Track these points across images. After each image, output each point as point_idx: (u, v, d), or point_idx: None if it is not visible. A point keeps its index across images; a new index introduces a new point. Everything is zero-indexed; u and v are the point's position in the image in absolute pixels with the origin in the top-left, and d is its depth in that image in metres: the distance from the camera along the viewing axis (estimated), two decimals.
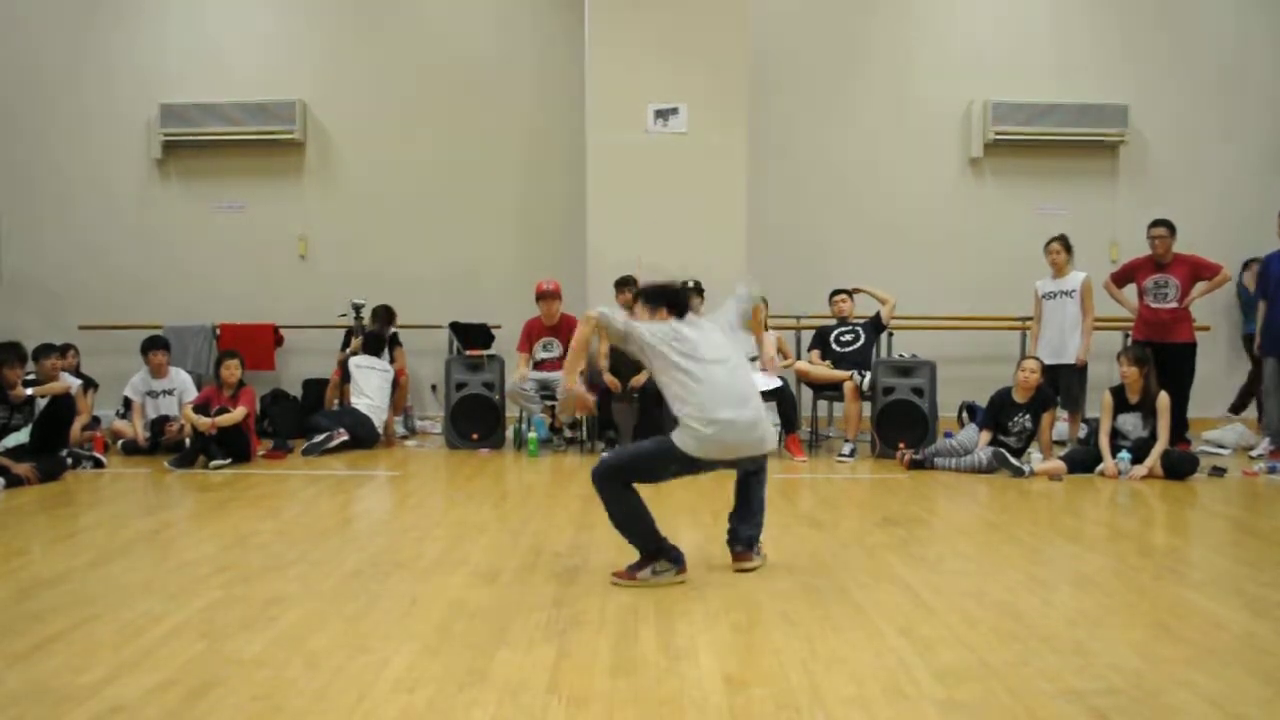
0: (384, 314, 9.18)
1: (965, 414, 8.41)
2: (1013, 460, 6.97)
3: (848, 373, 7.96)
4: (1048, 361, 7.68)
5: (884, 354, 8.69)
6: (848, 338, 8.33)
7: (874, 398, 7.87)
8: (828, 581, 4.19)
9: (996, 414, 7.31)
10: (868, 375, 7.91)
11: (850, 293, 8.50)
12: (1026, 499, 6.22)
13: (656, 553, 4.19)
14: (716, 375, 4.20)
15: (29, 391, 7.15)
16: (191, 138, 9.88)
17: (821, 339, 8.45)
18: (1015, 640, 3.42)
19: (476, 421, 8.40)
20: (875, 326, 8.38)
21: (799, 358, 8.66)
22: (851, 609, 3.80)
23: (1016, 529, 5.36)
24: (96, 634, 3.55)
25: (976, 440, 7.28)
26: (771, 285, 8.60)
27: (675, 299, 4.50)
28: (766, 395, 7.75)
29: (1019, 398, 7.28)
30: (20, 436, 7.10)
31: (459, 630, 3.56)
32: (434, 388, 9.62)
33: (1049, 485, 6.67)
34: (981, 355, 9.38)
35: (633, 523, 4.21)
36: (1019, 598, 3.95)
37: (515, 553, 4.74)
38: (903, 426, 7.73)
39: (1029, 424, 7.23)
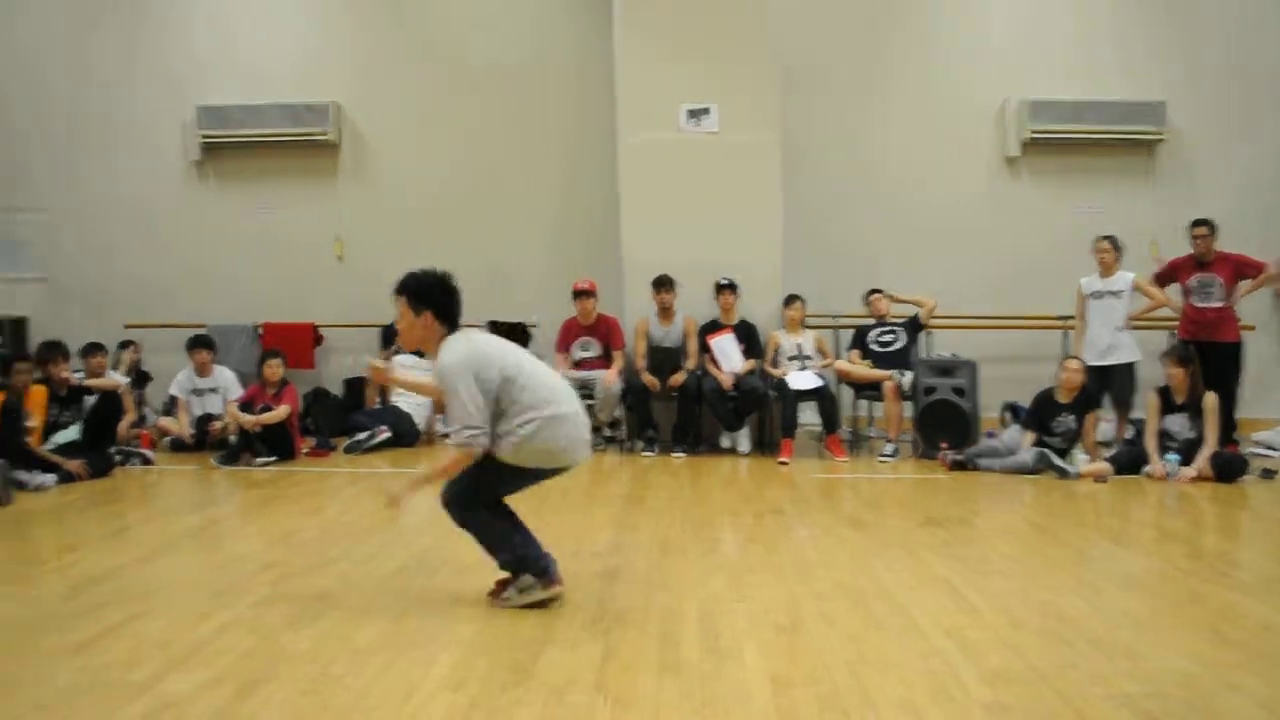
0: None
1: (1009, 414, 8.34)
2: (1058, 461, 6.89)
3: (888, 372, 7.91)
4: (1095, 363, 7.60)
5: (924, 353, 8.63)
6: (887, 338, 8.27)
7: (915, 397, 7.82)
8: (871, 582, 4.17)
9: (1040, 414, 7.24)
10: (909, 375, 7.86)
11: (882, 291, 8.45)
12: (1072, 500, 6.15)
13: (518, 569, 3.87)
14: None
15: (79, 380, 7.31)
16: (229, 139, 10.00)
17: (860, 338, 8.40)
18: (1062, 643, 3.39)
19: None
20: (914, 326, 8.33)
21: (838, 357, 8.61)
22: (895, 610, 3.78)
23: (1062, 531, 5.31)
24: (147, 630, 3.60)
25: (1020, 441, 7.21)
26: (807, 284, 8.60)
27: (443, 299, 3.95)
28: (807, 395, 7.76)
29: (1062, 398, 7.21)
30: (70, 434, 7.23)
31: (503, 629, 3.58)
32: None
33: (1094, 487, 6.59)
34: (1022, 354, 9.28)
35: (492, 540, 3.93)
36: (1065, 600, 3.91)
37: (556, 552, 4.70)
38: (944, 426, 7.67)
39: (1073, 424, 7.15)
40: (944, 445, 7.50)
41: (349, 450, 8.08)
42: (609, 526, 5.33)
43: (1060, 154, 9.84)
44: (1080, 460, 7.05)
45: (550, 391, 3.89)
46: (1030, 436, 7.18)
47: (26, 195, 10.36)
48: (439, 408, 9.07)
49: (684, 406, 8.02)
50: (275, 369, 7.91)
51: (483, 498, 3.91)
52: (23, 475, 6.47)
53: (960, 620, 3.64)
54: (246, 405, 7.80)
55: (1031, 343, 9.36)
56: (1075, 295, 8.06)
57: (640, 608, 3.82)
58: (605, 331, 8.41)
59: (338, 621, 3.68)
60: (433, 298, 3.94)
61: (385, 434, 8.26)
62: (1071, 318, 8.27)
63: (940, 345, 8.91)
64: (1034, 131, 9.64)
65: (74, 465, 6.82)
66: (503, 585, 3.91)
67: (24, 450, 6.70)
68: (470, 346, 3.82)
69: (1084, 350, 7.81)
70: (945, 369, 7.87)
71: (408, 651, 3.34)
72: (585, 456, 4.00)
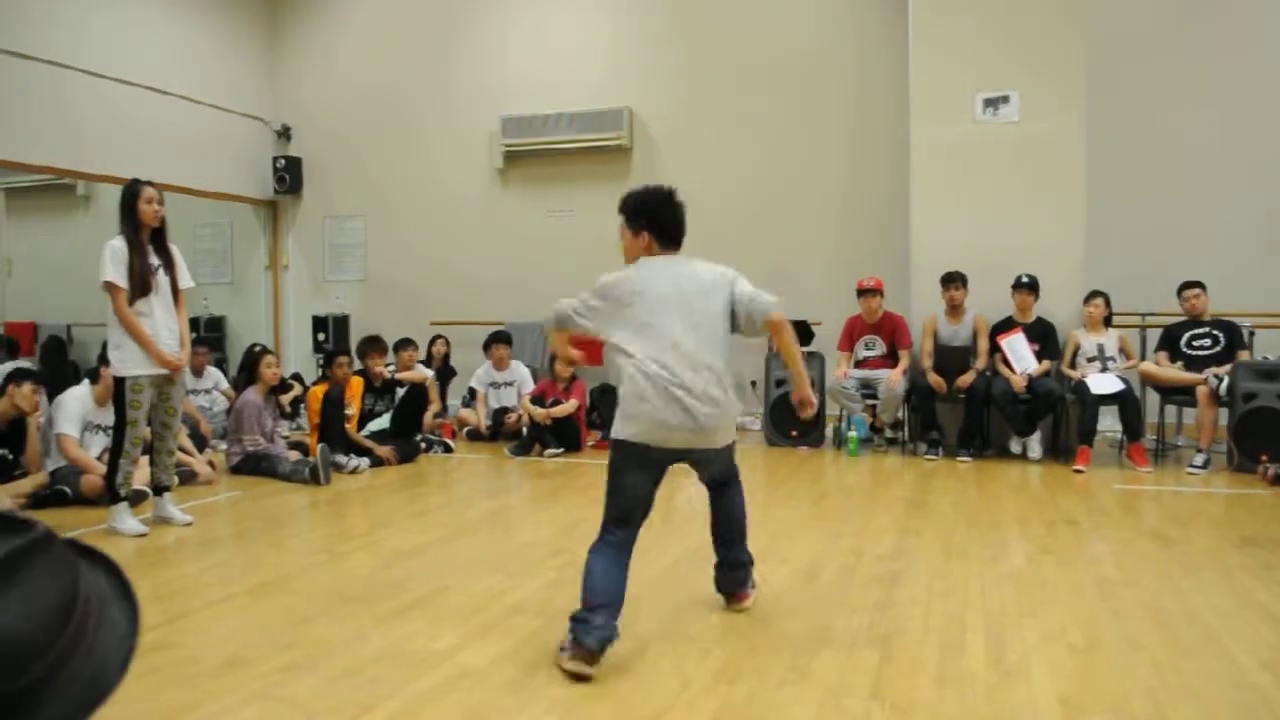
0: None
1: None
2: None
3: (1201, 375, 7.27)
4: None
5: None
6: (1204, 342, 7.58)
7: (1232, 404, 7.14)
8: (1178, 604, 3.86)
9: None
10: (1225, 379, 7.19)
11: (1204, 287, 7.71)
12: None
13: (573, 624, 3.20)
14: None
15: (392, 373, 7.93)
16: (529, 147, 10.51)
17: (1170, 339, 7.75)
18: None
19: (796, 419, 8.40)
20: (1236, 339, 7.55)
21: (1144, 359, 8.00)
22: (1206, 637, 3.47)
23: None
24: (448, 604, 3.86)
25: None
26: (1112, 280, 8.06)
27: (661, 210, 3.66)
28: (1108, 399, 7.26)
29: None
30: (382, 422, 7.85)
31: (779, 627, 3.57)
32: (753, 384, 9.71)
33: None
34: None
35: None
36: None
37: (835, 553, 4.69)
38: (1266, 437, 6.94)
39: None
40: (1264, 458, 6.81)
41: None
42: (891, 530, 5.20)
43: None
44: None
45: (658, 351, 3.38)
46: None
47: (349, 202, 11.38)
48: None
49: (971, 408, 7.71)
50: (567, 366, 8.27)
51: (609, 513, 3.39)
52: (340, 459, 7.12)
53: None
54: (538, 399, 8.20)
55: None
56: None
57: (921, 615, 3.71)
58: (891, 330, 8.22)
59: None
60: (653, 216, 3.68)
61: None
62: None
63: (1263, 346, 8.08)
64: None
65: (385, 451, 7.43)
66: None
67: (344, 436, 7.36)
68: (641, 270, 3.55)
69: None
70: (1269, 373, 7.13)
71: (683, 644, 3.40)
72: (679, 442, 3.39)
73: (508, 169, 10.70)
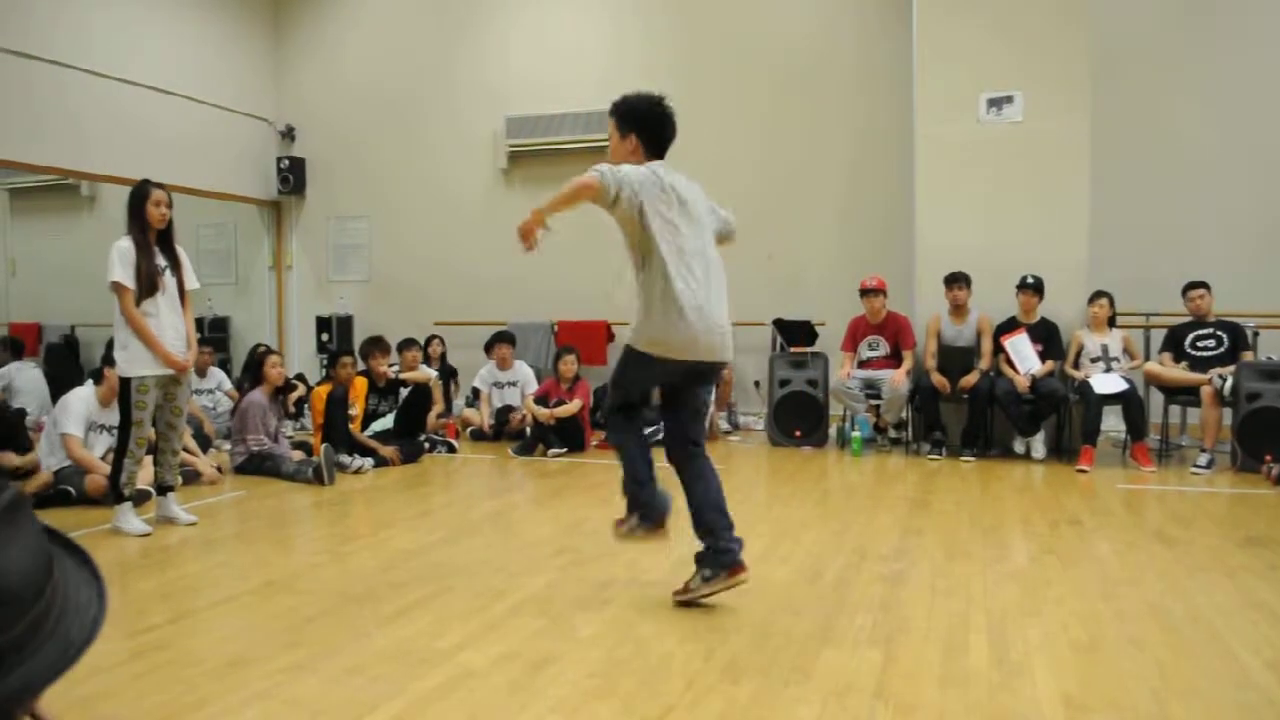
0: None
1: None
2: None
3: (1205, 375, 7.26)
4: None
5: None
6: (1208, 343, 7.57)
7: (1236, 404, 7.14)
8: (1181, 604, 3.85)
9: None
10: (1229, 379, 7.18)
11: (1209, 287, 7.71)
12: None
13: (632, 507, 3.90)
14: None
15: (395, 373, 7.95)
16: (534, 147, 10.51)
17: (1175, 340, 7.74)
18: None
19: (799, 419, 8.41)
20: (1240, 339, 7.55)
21: (1148, 359, 7.99)
22: (1209, 636, 3.47)
23: None
24: (451, 604, 3.87)
25: None
26: (1116, 280, 8.05)
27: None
28: (1111, 399, 7.26)
29: None
30: (386, 422, 7.86)
31: (783, 626, 3.57)
32: (757, 384, 9.71)
33: None
34: None
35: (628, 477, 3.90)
36: None
37: (839, 552, 4.69)
38: (1270, 437, 6.94)
39: None
40: (1269, 458, 6.81)
41: None
42: (894, 530, 5.20)
43: None
44: None
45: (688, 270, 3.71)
46: None
47: (353, 203, 11.40)
48: (721, 403, 9.19)
49: (975, 408, 7.70)
50: (569, 365, 8.27)
51: (629, 397, 3.87)
52: (344, 459, 7.13)
53: None
54: (542, 399, 8.21)
55: None
56: None
57: (924, 615, 3.71)
58: (894, 330, 8.22)
59: (623, 608, 3.80)
60: (642, 120, 3.82)
61: None
62: None
63: (1267, 347, 8.06)
64: None
65: (388, 451, 7.43)
66: (620, 521, 3.96)
67: (348, 436, 7.37)
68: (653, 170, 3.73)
69: None
70: (1273, 373, 7.13)
71: (687, 643, 3.40)
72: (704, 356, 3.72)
73: (512, 169, 10.71)
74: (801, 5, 9.93)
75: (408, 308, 10.88)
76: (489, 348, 9.09)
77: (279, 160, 11.36)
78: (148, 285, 5.20)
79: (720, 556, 3.74)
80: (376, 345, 7.91)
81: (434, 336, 9.79)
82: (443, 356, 9.74)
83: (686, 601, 3.81)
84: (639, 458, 3.85)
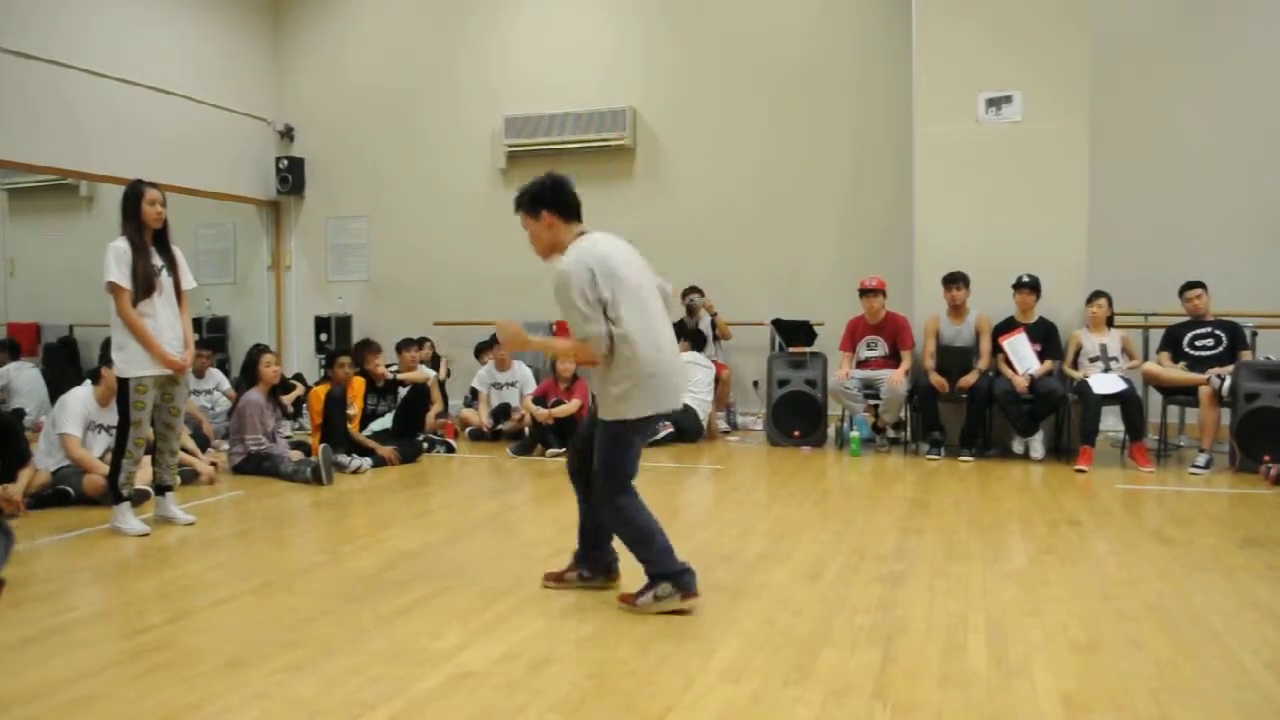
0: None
1: None
2: None
3: (1203, 375, 7.26)
4: None
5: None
6: (1206, 343, 7.57)
7: (1234, 404, 7.14)
8: (1180, 604, 3.85)
9: None
10: (1227, 379, 7.18)
11: (1206, 287, 7.71)
12: None
13: (662, 575, 3.76)
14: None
15: (394, 373, 7.95)
16: (533, 147, 10.51)
17: (1173, 340, 7.74)
18: None
19: (798, 419, 8.41)
20: (1238, 339, 7.55)
21: (1147, 359, 7.99)
22: (1208, 636, 3.47)
23: None
24: (451, 604, 3.86)
25: None
26: (1114, 280, 8.05)
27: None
28: (1110, 399, 7.26)
29: None
30: (384, 422, 7.86)
31: (782, 626, 3.57)
32: (756, 384, 9.71)
33: None
34: None
35: (642, 540, 3.81)
36: None
37: (838, 553, 4.69)
38: (1268, 437, 6.94)
39: None
40: (1267, 458, 6.81)
41: None
42: (893, 530, 5.20)
43: None
44: None
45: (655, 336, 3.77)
46: None
47: (352, 203, 11.39)
48: (719, 403, 9.20)
49: (973, 408, 7.70)
50: (568, 365, 8.26)
51: (632, 474, 3.85)
52: (343, 459, 7.13)
53: None
54: (541, 399, 8.21)
55: None
56: None
57: (923, 615, 3.70)
58: (893, 330, 8.22)
59: (620, 610, 3.79)
60: (544, 197, 3.98)
61: (669, 429, 8.44)
62: None
63: (1265, 347, 8.07)
64: None
65: (387, 451, 7.43)
66: (632, 596, 3.83)
67: (346, 436, 7.37)
68: (593, 248, 3.84)
69: None
70: (1271, 373, 7.13)
71: (686, 643, 3.40)
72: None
73: (511, 169, 10.70)
74: (801, 5, 9.93)
75: (407, 308, 10.89)
76: (480, 352, 9.11)
77: (278, 160, 11.36)
78: (144, 286, 5.19)
79: (612, 562, 4.11)
80: (366, 347, 7.91)
81: (424, 338, 9.74)
82: (435, 358, 9.72)
83: (556, 585, 4.10)
84: (639, 510, 3.82)
